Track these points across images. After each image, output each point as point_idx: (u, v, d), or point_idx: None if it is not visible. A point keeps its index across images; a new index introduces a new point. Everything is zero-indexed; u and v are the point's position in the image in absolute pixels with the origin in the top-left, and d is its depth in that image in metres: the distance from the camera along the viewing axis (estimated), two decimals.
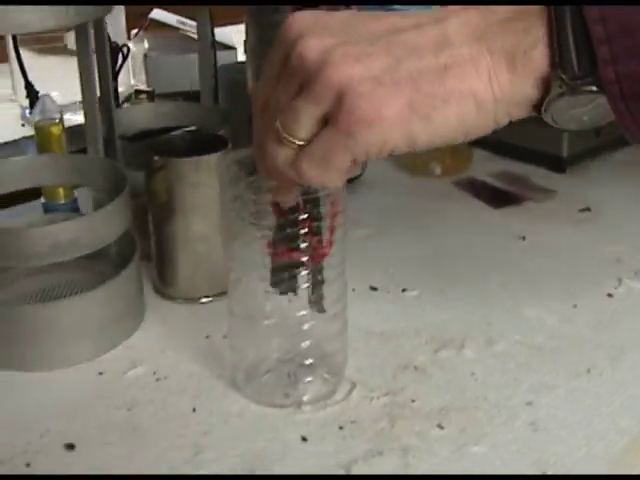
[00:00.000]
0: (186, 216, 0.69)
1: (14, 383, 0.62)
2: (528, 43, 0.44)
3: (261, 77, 0.49)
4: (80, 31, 0.66)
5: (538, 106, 0.46)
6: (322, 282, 0.57)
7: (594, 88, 0.44)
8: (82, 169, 0.71)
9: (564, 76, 0.44)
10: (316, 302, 0.58)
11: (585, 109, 0.46)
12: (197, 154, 0.68)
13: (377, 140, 0.45)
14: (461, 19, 0.45)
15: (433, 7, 0.47)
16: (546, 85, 0.45)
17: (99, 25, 0.68)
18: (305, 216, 0.54)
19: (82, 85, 0.69)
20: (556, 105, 0.45)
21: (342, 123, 0.45)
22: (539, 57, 0.44)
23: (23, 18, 0.56)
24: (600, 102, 0.45)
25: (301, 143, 0.47)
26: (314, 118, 0.46)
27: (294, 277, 0.56)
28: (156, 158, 0.68)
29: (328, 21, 0.47)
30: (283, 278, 0.56)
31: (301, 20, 0.47)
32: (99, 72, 0.70)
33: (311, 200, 0.54)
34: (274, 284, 0.57)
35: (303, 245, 0.55)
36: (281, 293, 0.57)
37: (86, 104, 0.70)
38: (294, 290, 0.57)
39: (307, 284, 0.57)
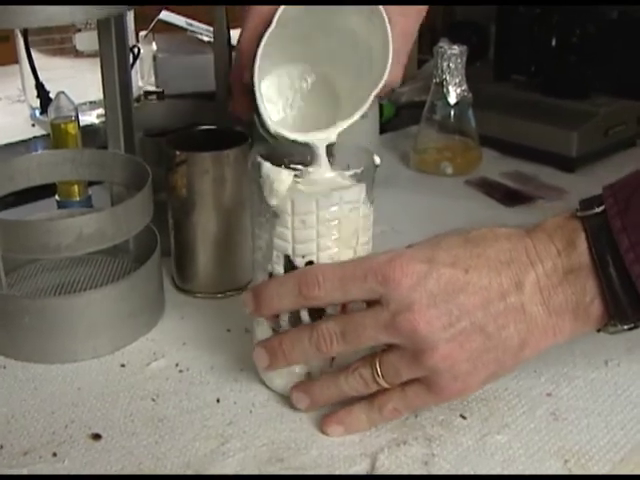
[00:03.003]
0: (206, 211, 0.70)
1: (36, 375, 0.63)
2: (587, 302, 0.52)
3: (332, 272, 0.54)
4: (103, 26, 0.67)
5: None
6: None
7: None
8: (104, 164, 0.71)
9: (619, 323, 0.53)
10: None
11: None
12: (217, 149, 0.69)
13: (457, 398, 0.57)
14: (532, 282, 0.52)
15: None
16: (602, 324, 0.54)
17: (119, 21, 0.69)
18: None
19: (104, 80, 0.70)
20: (606, 330, 0.54)
21: (436, 391, 0.54)
22: (597, 311, 0.53)
23: (51, 10, 0.57)
24: None
25: (387, 386, 0.55)
26: (412, 377, 0.54)
27: None
28: (178, 153, 0.68)
29: (431, 283, 0.52)
30: None
31: (405, 275, 0.52)
32: (118, 67, 0.71)
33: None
34: None
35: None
36: None
37: (108, 99, 0.70)
38: None
39: None
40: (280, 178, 0.54)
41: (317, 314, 0.56)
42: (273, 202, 0.54)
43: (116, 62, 0.69)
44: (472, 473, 0.52)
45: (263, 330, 0.59)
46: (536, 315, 0.52)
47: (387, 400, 0.55)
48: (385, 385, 0.54)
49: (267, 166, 0.54)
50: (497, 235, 0.54)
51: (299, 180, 0.54)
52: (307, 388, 0.57)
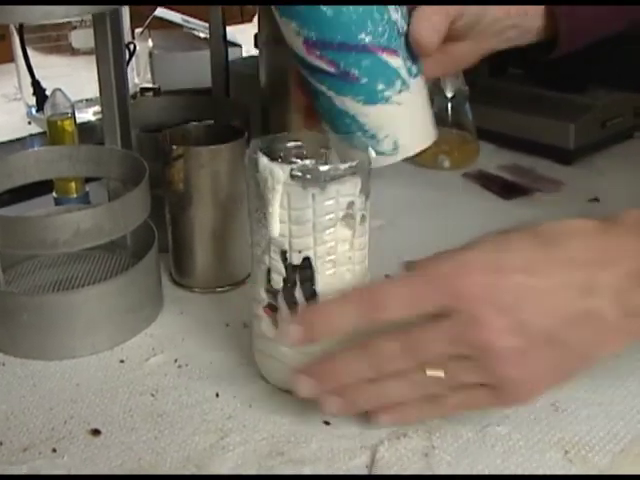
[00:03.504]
0: (203, 205, 0.70)
1: (35, 372, 0.63)
2: None
3: (398, 292, 0.51)
4: (98, 20, 0.67)
5: None
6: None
7: None
8: (101, 160, 0.71)
9: None
10: None
11: None
12: (214, 144, 0.69)
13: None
14: (607, 285, 0.49)
15: None
16: None
17: (114, 16, 0.69)
18: None
19: (99, 76, 0.69)
20: None
21: (503, 399, 0.52)
22: None
23: (47, 7, 0.57)
24: None
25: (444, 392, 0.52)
26: (474, 381, 0.51)
27: None
28: (174, 147, 0.68)
29: (501, 294, 0.49)
30: None
31: (475, 288, 0.49)
32: (114, 63, 0.70)
33: None
34: None
35: None
36: None
37: (104, 95, 0.70)
38: None
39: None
40: (276, 172, 0.54)
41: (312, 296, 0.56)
42: (269, 197, 0.54)
43: (112, 58, 0.69)
44: (472, 465, 0.52)
45: (263, 325, 0.58)
46: (611, 319, 0.49)
47: (449, 397, 0.53)
48: (444, 391, 0.52)
49: (264, 161, 0.54)
50: (571, 232, 0.51)
51: (295, 174, 0.54)
52: (342, 391, 0.53)
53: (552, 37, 0.69)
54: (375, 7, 0.56)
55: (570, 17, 0.67)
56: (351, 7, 0.56)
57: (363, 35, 0.56)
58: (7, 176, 0.70)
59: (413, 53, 0.59)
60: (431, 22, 0.59)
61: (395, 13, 0.58)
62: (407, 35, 0.59)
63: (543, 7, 0.67)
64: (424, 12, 0.59)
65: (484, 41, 0.67)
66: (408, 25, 0.59)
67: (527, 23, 0.67)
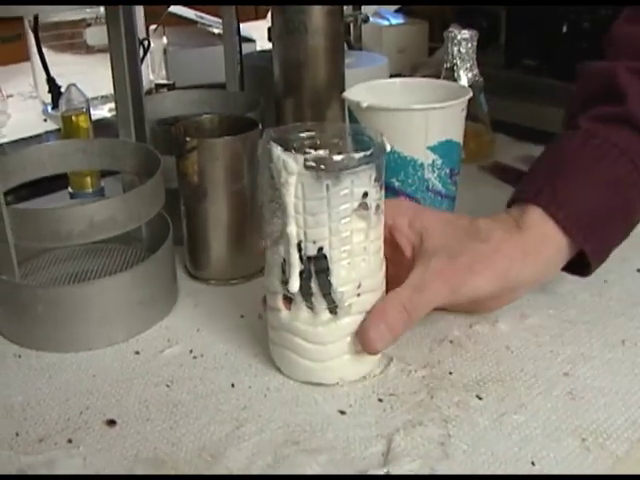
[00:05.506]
0: (218, 197, 0.70)
1: (51, 364, 0.63)
2: None
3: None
4: (111, 14, 0.67)
5: None
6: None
7: None
8: (115, 153, 0.71)
9: None
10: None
11: None
12: (227, 136, 0.69)
13: None
14: None
15: None
16: None
17: (128, 11, 0.69)
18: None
19: (113, 70, 0.70)
20: None
21: None
22: None
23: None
24: None
25: None
26: None
27: None
28: (188, 139, 0.68)
29: None
30: None
31: None
32: (127, 58, 0.71)
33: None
34: None
35: None
36: None
37: (118, 90, 0.70)
38: None
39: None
40: (291, 163, 0.53)
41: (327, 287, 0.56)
42: (284, 187, 0.54)
43: (125, 51, 0.69)
44: (489, 453, 0.52)
45: (277, 316, 0.58)
46: None
47: None
48: None
49: (278, 151, 0.54)
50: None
51: (309, 164, 0.54)
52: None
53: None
54: (412, 164, 0.71)
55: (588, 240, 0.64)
56: (392, 157, 0.70)
57: (394, 180, 0.72)
58: (21, 170, 0.70)
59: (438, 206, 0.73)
60: (388, 324, 0.58)
61: (430, 173, 0.72)
62: (437, 192, 0.73)
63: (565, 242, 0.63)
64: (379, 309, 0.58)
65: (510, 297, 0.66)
66: (446, 185, 0.74)
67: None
